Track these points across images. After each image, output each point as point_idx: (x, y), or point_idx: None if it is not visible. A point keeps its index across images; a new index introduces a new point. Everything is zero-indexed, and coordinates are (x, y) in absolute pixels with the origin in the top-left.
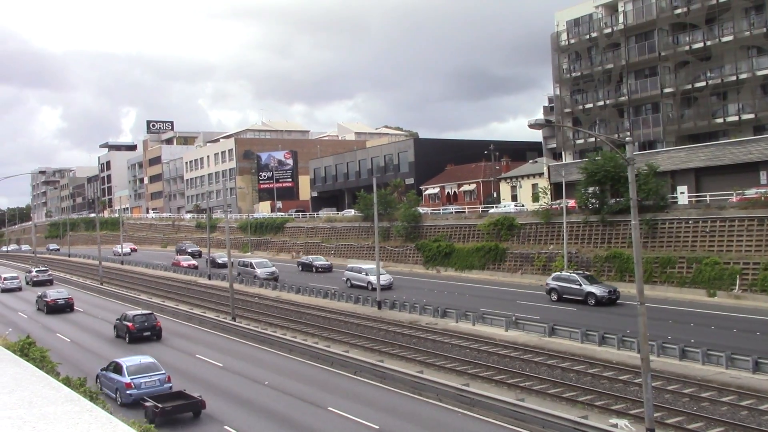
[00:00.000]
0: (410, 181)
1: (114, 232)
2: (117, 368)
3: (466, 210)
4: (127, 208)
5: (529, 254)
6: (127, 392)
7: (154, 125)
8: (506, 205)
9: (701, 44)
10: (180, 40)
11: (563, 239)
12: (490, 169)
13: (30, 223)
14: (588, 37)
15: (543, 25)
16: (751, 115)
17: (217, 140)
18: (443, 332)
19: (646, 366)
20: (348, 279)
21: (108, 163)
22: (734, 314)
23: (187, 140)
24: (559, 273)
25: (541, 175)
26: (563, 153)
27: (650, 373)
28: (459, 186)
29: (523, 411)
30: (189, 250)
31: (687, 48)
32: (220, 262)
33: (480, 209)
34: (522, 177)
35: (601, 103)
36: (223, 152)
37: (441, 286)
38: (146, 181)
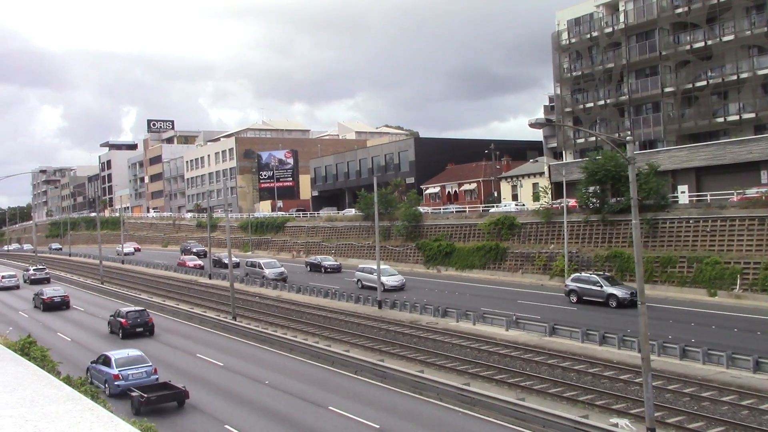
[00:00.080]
0: (411, 180)
1: (115, 232)
2: (106, 361)
3: (467, 209)
4: (128, 208)
5: (530, 254)
6: (115, 383)
7: (154, 124)
8: (507, 205)
9: (702, 43)
10: (180, 39)
11: (564, 239)
12: (491, 168)
13: (31, 222)
14: (589, 36)
15: (544, 25)
16: (752, 115)
17: (218, 139)
18: (444, 332)
19: (647, 365)
20: (359, 280)
21: (108, 162)
22: (735, 314)
23: (187, 139)
24: (578, 274)
25: (541, 174)
26: (564, 152)
27: (651, 373)
28: (459, 185)
29: (523, 410)
30: (194, 250)
31: (688, 47)
32: (225, 262)
33: (480, 209)
34: (522, 176)
35: (602, 102)
36: (223, 151)
37: (441, 285)
38: (147, 180)
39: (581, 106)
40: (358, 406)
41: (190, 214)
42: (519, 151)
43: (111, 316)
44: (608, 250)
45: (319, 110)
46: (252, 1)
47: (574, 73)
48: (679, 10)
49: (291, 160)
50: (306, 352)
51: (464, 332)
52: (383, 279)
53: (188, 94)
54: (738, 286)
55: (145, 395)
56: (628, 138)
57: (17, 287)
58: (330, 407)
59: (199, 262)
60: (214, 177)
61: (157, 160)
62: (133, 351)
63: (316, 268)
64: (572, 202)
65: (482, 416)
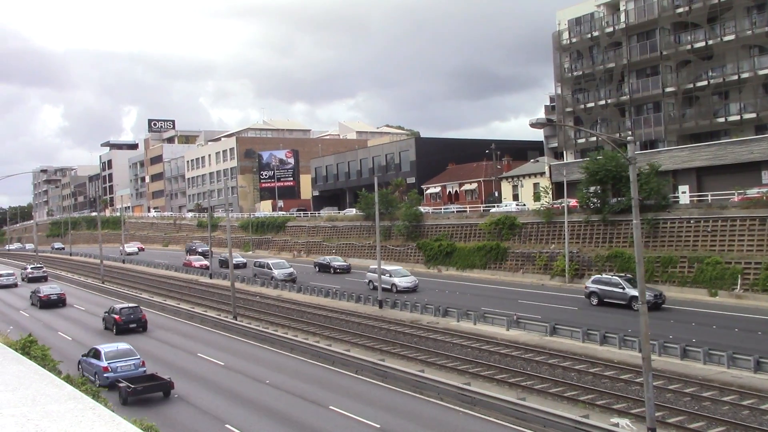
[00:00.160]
0: (411, 180)
1: (116, 231)
2: (96, 354)
3: (468, 209)
4: (129, 207)
5: (531, 253)
6: (105, 375)
7: (155, 124)
8: (507, 205)
9: (703, 43)
10: (181, 39)
11: (565, 238)
12: (492, 168)
13: (31, 222)
14: (589, 36)
15: (544, 24)
16: (753, 115)
17: (219, 139)
18: (445, 331)
19: (648, 365)
20: (371, 281)
21: (109, 161)
22: (735, 314)
23: (188, 139)
24: (599, 276)
25: (542, 174)
26: (564, 152)
27: (652, 373)
28: (460, 185)
29: (524, 410)
30: (200, 250)
31: (689, 47)
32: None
33: (481, 208)
34: (523, 176)
35: (603, 102)
36: (224, 151)
37: (442, 285)
38: (147, 179)
39: (582, 106)
40: (359, 406)
41: (190, 214)
42: (520, 151)
43: (105, 312)
44: (609, 250)
45: (320, 110)
46: (253, 0)
47: (574, 73)
48: (680, 10)
49: (292, 160)
50: (307, 352)
51: (465, 332)
52: (396, 280)
53: (189, 93)
54: (739, 286)
55: (132, 386)
56: (628, 138)
57: (15, 285)
58: (330, 407)
59: (205, 262)
60: (215, 177)
61: (157, 159)
62: (123, 345)
63: (325, 268)
64: (573, 202)
65: (483, 416)
